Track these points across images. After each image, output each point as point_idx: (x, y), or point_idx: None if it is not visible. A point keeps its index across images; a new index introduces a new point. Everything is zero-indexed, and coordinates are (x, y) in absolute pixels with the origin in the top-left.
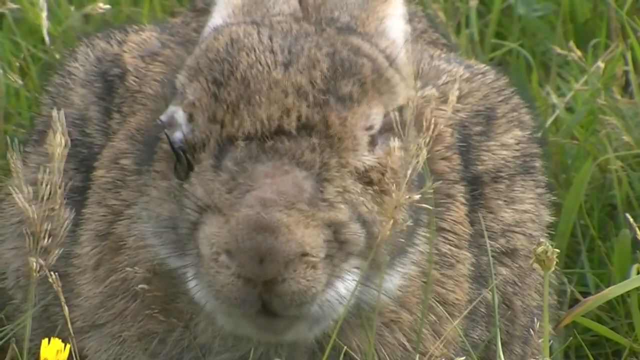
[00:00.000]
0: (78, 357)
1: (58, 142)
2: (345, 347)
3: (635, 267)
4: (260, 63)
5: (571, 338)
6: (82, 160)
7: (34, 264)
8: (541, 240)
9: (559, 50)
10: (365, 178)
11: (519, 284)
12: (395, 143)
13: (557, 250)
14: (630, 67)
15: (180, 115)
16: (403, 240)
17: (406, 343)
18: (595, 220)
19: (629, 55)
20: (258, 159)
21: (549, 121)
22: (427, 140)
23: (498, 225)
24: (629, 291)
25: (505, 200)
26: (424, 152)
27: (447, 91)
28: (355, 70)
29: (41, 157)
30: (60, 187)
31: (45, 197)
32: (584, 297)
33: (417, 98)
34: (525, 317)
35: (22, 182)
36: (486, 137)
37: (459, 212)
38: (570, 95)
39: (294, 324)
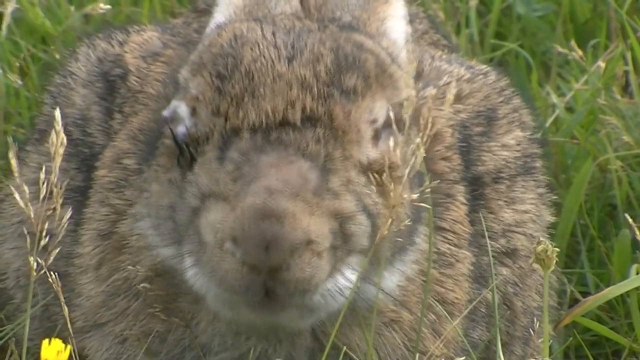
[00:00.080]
0: (78, 357)
1: (55, 142)
2: (345, 347)
3: (635, 267)
4: (264, 57)
5: (571, 338)
6: (84, 160)
7: (34, 263)
8: (541, 239)
9: (559, 49)
10: (368, 171)
11: (520, 284)
12: (398, 137)
13: (557, 249)
14: (630, 67)
15: (183, 109)
16: (403, 238)
17: (406, 342)
18: (595, 220)
19: (629, 55)
20: (263, 150)
21: (549, 121)
22: (425, 139)
23: (498, 225)
24: (628, 291)
25: (505, 201)
26: (422, 150)
27: (447, 92)
28: (359, 64)
29: (42, 157)
30: (57, 186)
31: (45, 197)
32: (584, 297)
33: (417, 98)
34: (525, 318)
35: (22, 182)
36: (487, 138)
37: (459, 211)
38: (570, 95)
39: (292, 309)
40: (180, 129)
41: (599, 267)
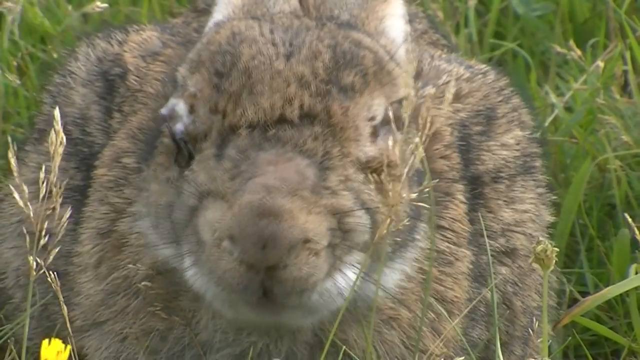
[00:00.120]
0: (77, 357)
1: (55, 141)
2: (343, 344)
3: (634, 266)
4: (262, 54)
5: (570, 338)
6: (83, 159)
7: (33, 262)
8: (540, 239)
9: (558, 48)
10: (367, 168)
11: (519, 284)
12: (396, 135)
13: (557, 249)
14: (629, 67)
15: (181, 107)
16: (402, 236)
17: (404, 340)
18: (594, 220)
19: (627, 55)
20: (261, 147)
21: (548, 121)
22: (424, 137)
23: (498, 224)
24: (627, 291)
25: (505, 200)
26: (421, 149)
27: (446, 91)
28: (357, 61)
29: (41, 156)
30: (56, 186)
31: (45, 196)
32: (583, 297)
33: (416, 97)
34: (525, 318)
35: (21, 182)
36: (486, 137)
37: (458, 210)
38: (569, 94)
39: (292, 309)
40: (179, 127)
41: (598, 266)
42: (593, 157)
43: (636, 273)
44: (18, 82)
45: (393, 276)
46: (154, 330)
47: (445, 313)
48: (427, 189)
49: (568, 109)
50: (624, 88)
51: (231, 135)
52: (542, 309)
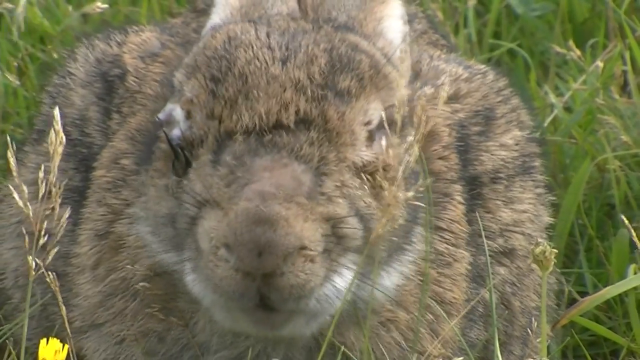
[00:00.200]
0: (76, 357)
1: (54, 141)
2: (342, 346)
3: (632, 267)
4: (258, 59)
5: (569, 338)
6: (82, 160)
7: (32, 263)
8: (539, 240)
9: (558, 48)
10: (363, 173)
11: (518, 284)
12: (392, 139)
13: (556, 250)
14: (628, 67)
15: (178, 112)
16: (400, 238)
17: (403, 342)
18: (594, 220)
19: (627, 55)
20: (257, 152)
21: (548, 121)
22: (419, 137)
23: (496, 225)
24: (626, 291)
25: (503, 201)
26: (416, 149)
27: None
28: (353, 65)
29: (40, 157)
30: (55, 186)
31: (43, 196)
32: (582, 297)
33: (414, 97)
34: (523, 318)
35: (20, 182)
36: (485, 138)
37: (456, 211)
38: (569, 94)
39: (292, 318)
40: (175, 132)
41: (597, 267)
42: (592, 157)
43: (635, 273)
44: (17, 82)
45: (390, 279)
46: (152, 332)
47: (443, 314)
48: (426, 190)
49: (567, 109)
50: (624, 88)
51: (227, 141)
52: (540, 309)
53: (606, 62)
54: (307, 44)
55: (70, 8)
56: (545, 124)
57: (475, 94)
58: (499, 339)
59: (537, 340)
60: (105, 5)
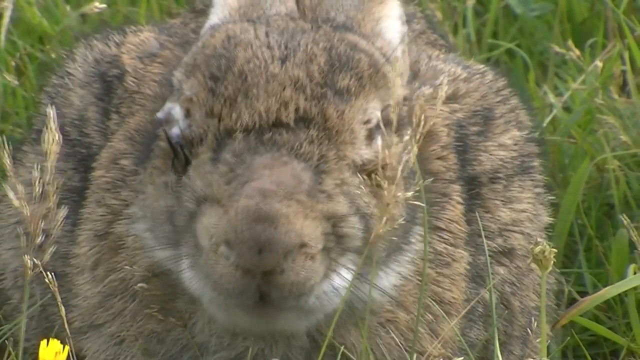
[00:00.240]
0: (76, 358)
1: (50, 140)
2: (343, 347)
3: (632, 266)
4: (257, 58)
5: (569, 338)
6: (81, 160)
7: (29, 263)
8: (539, 240)
9: (557, 48)
10: (362, 172)
11: (517, 284)
12: (391, 138)
13: (555, 250)
14: (627, 67)
15: (177, 111)
16: (398, 238)
17: (402, 342)
18: (593, 220)
19: (626, 55)
20: (256, 150)
21: (547, 121)
22: (417, 137)
23: (495, 224)
24: (626, 291)
25: (502, 200)
26: (415, 148)
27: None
28: (353, 64)
29: (39, 157)
30: (49, 184)
31: (41, 196)
32: (582, 297)
33: (413, 97)
34: (523, 318)
35: (16, 182)
36: (484, 138)
37: (455, 210)
38: (568, 94)
39: (288, 313)
40: (175, 131)
41: (597, 266)
42: (592, 157)
43: (635, 273)
44: (16, 82)
45: (389, 279)
46: (151, 333)
47: (443, 314)
48: (424, 189)
49: (567, 109)
50: (623, 88)
51: (227, 139)
52: (540, 309)
53: (605, 62)
54: (306, 43)
55: (68, 8)
56: (545, 124)
57: (474, 94)
58: (499, 339)
59: (537, 340)
60: (104, 5)
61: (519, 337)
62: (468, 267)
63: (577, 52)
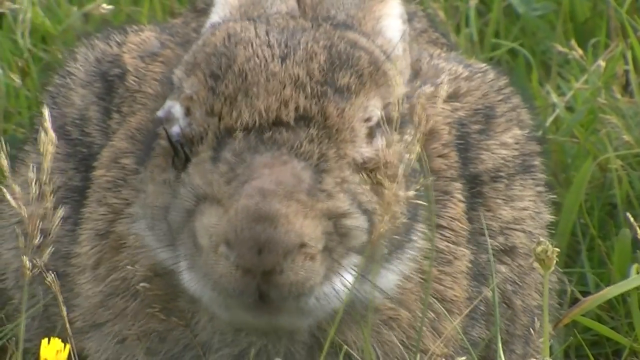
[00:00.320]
0: (78, 358)
1: (44, 140)
2: (343, 345)
3: (635, 266)
4: (257, 56)
5: (571, 338)
6: (82, 159)
7: (27, 262)
8: (541, 239)
9: (559, 48)
10: (363, 170)
11: (519, 282)
12: (393, 135)
13: (557, 249)
14: (630, 66)
15: (177, 109)
16: (400, 235)
17: (404, 340)
18: (596, 220)
19: (629, 54)
20: (256, 149)
21: (549, 120)
22: (418, 135)
23: (497, 223)
24: (629, 290)
25: (504, 199)
26: (417, 147)
27: (440, 89)
28: (353, 62)
29: (40, 156)
30: (45, 183)
31: (35, 197)
32: (584, 297)
33: (414, 96)
34: (525, 317)
35: (13, 182)
36: (485, 136)
37: (457, 209)
38: (571, 94)
39: (288, 312)
40: (175, 129)
41: (599, 266)
42: (594, 156)
43: (637, 273)
44: (19, 82)
45: (391, 277)
46: (153, 332)
47: (445, 312)
48: (427, 188)
49: (569, 108)
50: (625, 88)
51: (227, 138)
52: (542, 308)
53: (608, 61)
54: (306, 41)
55: (75, 9)
56: (547, 124)
57: (476, 92)
58: (501, 338)
59: (540, 340)
60: (110, 7)
61: (521, 336)
62: (470, 265)
63: (580, 51)
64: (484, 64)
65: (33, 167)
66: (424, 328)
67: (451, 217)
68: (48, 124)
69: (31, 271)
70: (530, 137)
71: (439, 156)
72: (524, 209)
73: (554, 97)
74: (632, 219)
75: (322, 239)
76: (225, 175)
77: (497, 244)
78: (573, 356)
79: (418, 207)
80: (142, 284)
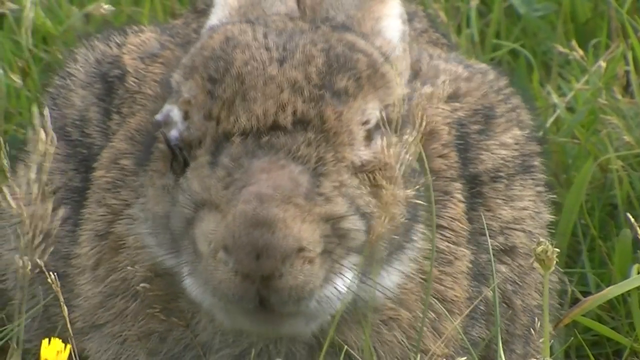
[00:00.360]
0: (79, 358)
1: (36, 140)
2: (344, 345)
3: (635, 266)
4: (255, 60)
5: (572, 338)
6: (82, 160)
7: (26, 263)
8: (541, 239)
9: (560, 48)
10: (361, 173)
11: (519, 282)
12: (391, 138)
13: (557, 249)
14: (631, 67)
15: (175, 113)
16: (400, 236)
17: (405, 340)
18: (596, 220)
19: (629, 55)
20: (254, 154)
21: (550, 121)
22: (417, 136)
23: (496, 223)
24: (629, 291)
25: (503, 199)
26: (414, 147)
27: (438, 89)
28: (351, 65)
29: (40, 157)
30: (35, 182)
31: (33, 197)
32: (585, 297)
33: (414, 96)
34: (525, 317)
35: (12, 182)
36: (485, 136)
37: (457, 209)
38: (571, 94)
39: (291, 318)
40: (173, 133)
41: (600, 266)
42: (595, 157)
43: (638, 273)
44: (20, 82)
45: (391, 278)
46: (153, 332)
47: (445, 312)
48: (427, 188)
49: (570, 109)
50: (626, 88)
51: (225, 142)
52: (542, 308)
53: (609, 62)
54: (304, 44)
55: (76, 9)
56: (548, 124)
57: (475, 92)
58: (501, 338)
59: (540, 340)
60: (111, 7)
61: (521, 336)
62: (470, 265)
63: (581, 52)
64: (484, 65)
65: (27, 166)
66: (425, 328)
67: (451, 218)
68: (39, 124)
69: (30, 271)
70: (530, 138)
71: (439, 156)
72: (524, 208)
73: (555, 98)
74: (632, 220)
75: (320, 242)
76: (222, 180)
77: (497, 243)
78: (573, 356)
79: (418, 208)
80: (142, 285)
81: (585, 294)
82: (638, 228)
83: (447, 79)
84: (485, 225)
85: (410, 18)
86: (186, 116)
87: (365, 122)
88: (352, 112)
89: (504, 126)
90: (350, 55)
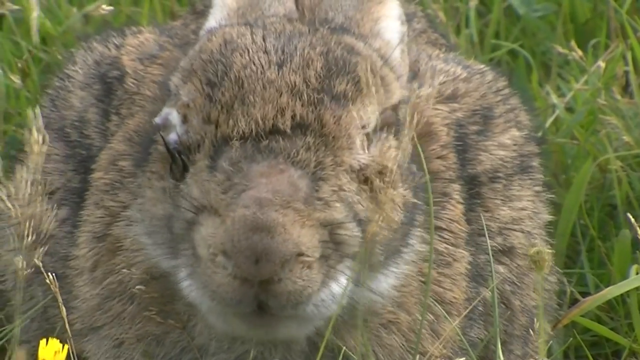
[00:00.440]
0: (77, 358)
1: (35, 140)
2: (344, 348)
3: (634, 267)
4: (254, 63)
5: (571, 338)
6: (81, 161)
7: (20, 262)
8: (539, 239)
9: (559, 49)
10: (360, 176)
11: (517, 283)
12: (390, 141)
13: (551, 251)
14: (630, 67)
15: (174, 116)
16: (397, 241)
17: (404, 343)
18: (595, 220)
19: (629, 55)
20: (253, 158)
21: (549, 121)
22: (411, 135)
23: (495, 223)
24: (628, 291)
25: (502, 199)
26: (409, 147)
27: (443, 91)
28: (350, 68)
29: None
30: (27, 181)
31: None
32: (584, 297)
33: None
34: (524, 317)
35: (7, 182)
36: (484, 137)
37: (455, 210)
38: (571, 95)
39: (286, 321)
40: (172, 137)
41: (599, 267)
42: (594, 157)
43: (637, 273)
44: (20, 83)
45: (388, 281)
46: (150, 335)
47: (444, 314)
48: (423, 189)
49: (569, 109)
50: (625, 88)
51: (224, 146)
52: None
53: (608, 62)
54: (303, 47)
55: (75, 10)
56: (547, 125)
57: (474, 93)
58: (500, 338)
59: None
60: (110, 7)
61: (520, 337)
62: (469, 266)
63: (580, 52)
64: (482, 65)
65: (24, 166)
66: (424, 330)
67: (450, 219)
68: (33, 125)
69: (26, 271)
70: (528, 138)
71: (438, 157)
72: (523, 209)
73: (554, 98)
74: (632, 220)
75: (318, 247)
76: (222, 184)
77: (495, 244)
78: (572, 357)
79: (415, 212)
80: (138, 287)
81: (584, 294)
82: (637, 228)
83: (446, 80)
84: (485, 227)
85: (409, 18)
86: (185, 120)
87: (364, 126)
88: (351, 116)
89: (502, 127)
90: (349, 58)
